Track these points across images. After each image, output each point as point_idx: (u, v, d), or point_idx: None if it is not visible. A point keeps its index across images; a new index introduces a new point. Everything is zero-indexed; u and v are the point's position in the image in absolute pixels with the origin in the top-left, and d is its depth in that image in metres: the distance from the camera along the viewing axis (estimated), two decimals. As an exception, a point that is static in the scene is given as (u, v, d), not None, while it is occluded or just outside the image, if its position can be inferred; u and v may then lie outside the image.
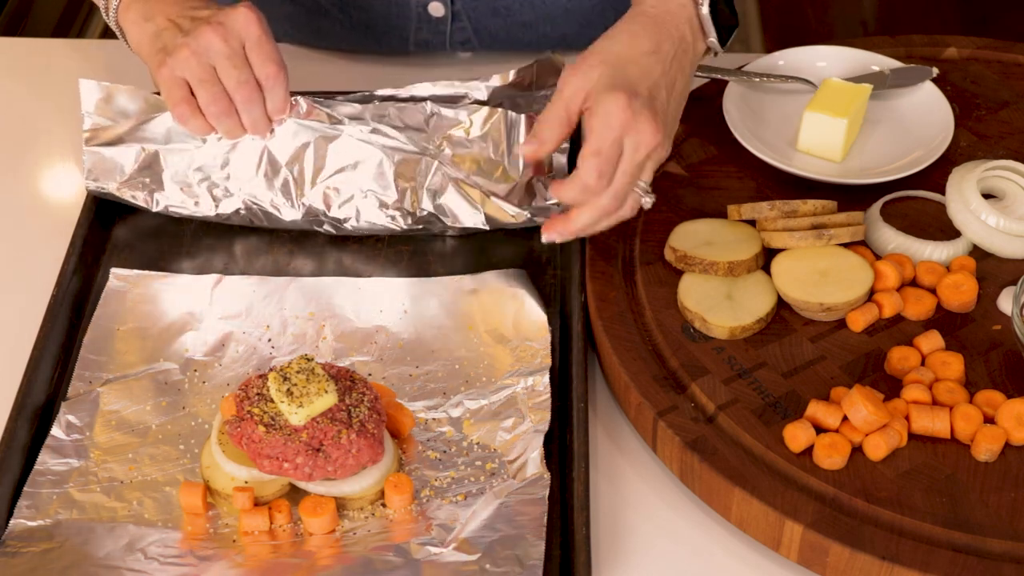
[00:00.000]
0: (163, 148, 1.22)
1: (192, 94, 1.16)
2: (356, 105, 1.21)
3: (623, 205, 1.10)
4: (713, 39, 1.17)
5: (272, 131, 1.20)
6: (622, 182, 1.08)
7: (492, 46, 1.47)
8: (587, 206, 1.09)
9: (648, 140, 1.07)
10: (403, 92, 1.25)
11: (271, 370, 1.03)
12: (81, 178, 1.27)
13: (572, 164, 1.14)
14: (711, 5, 1.15)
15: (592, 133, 1.07)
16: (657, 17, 1.14)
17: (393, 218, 1.22)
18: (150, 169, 1.23)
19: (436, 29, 1.44)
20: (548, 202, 1.22)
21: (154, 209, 1.24)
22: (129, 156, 1.23)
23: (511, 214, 1.22)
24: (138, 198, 1.24)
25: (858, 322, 1.12)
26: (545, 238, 1.11)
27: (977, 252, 1.19)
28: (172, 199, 1.23)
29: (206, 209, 1.23)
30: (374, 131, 1.20)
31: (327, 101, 1.21)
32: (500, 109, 1.21)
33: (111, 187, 1.24)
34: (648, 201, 1.11)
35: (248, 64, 1.16)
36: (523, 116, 1.20)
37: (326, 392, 1.01)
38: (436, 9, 1.43)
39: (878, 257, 1.17)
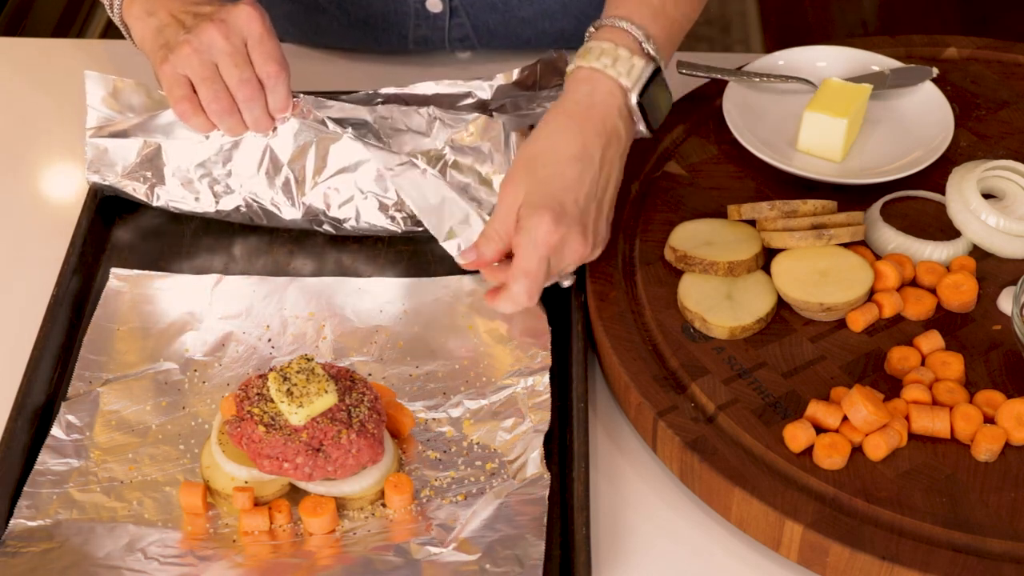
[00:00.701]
0: (165, 142, 1.22)
1: (194, 91, 1.16)
2: (359, 106, 1.21)
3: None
4: (641, 127, 1.16)
5: (275, 128, 1.20)
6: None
7: (491, 43, 1.47)
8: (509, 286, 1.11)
9: (576, 257, 1.11)
10: (406, 90, 1.25)
11: (271, 370, 1.03)
12: (81, 179, 1.27)
13: None
14: (643, 92, 1.13)
15: (519, 252, 1.08)
16: (578, 115, 1.11)
17: (393, 219, 1.22)
18: (151, 163, 1.23)
19: (434, 25, 1.44)
20: None
21: (154, 204, 1.24)
22: (131, 149, 1.23)
23: None
24: (138, 191, 1.24)
25: (858, 322, 1.12)
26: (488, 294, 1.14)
27: (977, 252, 1.19)
28: (172, 194, 1.23)
29: (206, 205, 1.23)
30: (374, 139, 1.20)
31: (329, 102, 1.21)
32: (498, 120, 1.20)
33: (112, 179, 1.23)
34: (566, 283, 1.15)
35: (249, 62, 1.16)
36: (514, 132, 1.20)
37: (326, 392, 1.01)
38: (434, 5, 1.42)
39: (878, 257, 1.17)
